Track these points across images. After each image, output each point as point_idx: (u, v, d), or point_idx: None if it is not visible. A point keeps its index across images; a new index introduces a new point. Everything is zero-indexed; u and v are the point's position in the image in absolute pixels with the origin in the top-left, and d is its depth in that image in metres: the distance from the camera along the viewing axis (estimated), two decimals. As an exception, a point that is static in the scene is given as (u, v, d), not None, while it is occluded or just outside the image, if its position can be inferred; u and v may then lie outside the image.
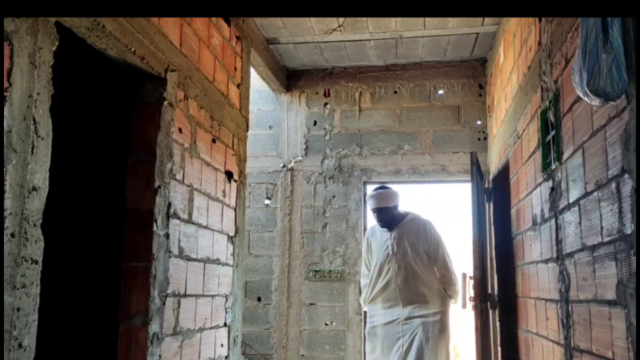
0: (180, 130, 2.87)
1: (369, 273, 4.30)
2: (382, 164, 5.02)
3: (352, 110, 5.15)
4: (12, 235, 1.72)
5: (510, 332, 3.92)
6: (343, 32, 4.39)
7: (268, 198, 5.13)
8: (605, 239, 1.90)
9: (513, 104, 3.61)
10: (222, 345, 3.44)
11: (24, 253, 1.76)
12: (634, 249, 1.64)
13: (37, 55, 1.83)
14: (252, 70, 4.36)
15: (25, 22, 1.77)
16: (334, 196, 5.04)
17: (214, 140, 3.33)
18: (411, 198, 8.55)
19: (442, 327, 4.06)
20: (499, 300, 4.34)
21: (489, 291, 4.28)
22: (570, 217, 2.32)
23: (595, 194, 1.99)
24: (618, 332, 1.81)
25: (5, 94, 1.69)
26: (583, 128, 2.13)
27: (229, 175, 3.58)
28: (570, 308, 2.36)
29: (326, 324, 4.88)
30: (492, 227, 4.58)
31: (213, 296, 3.30)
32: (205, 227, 3.19)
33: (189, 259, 2.96)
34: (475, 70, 5.01)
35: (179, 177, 2.85)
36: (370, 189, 4.94)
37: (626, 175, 1.70)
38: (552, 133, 2.59)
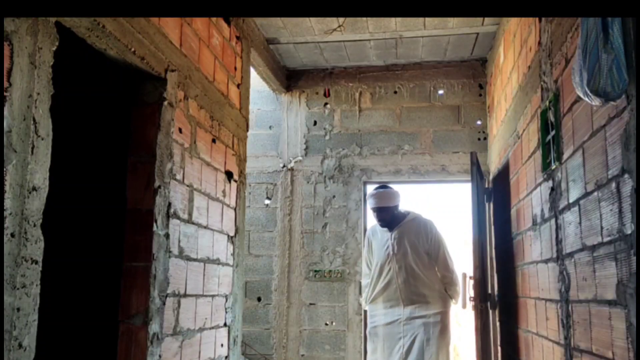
0: (180, 130, 2.87)
1: (369, 273, 4.29)
2: (382, 164, 5.02)
3: (352, 110, 5.15)
4: (12, 235, 1.72)
5: (510, 332, 3.92)
6: (343, 32, 4.39)
7: (268, 198, 5.13)
8: (605, 239, 1.90)
9: (513, 104, 3.61)
10: (222, 345, 3.44)
11: (24, 253, 1.76)
12: (634, 249, 1.64)
13: (37, 55, 1.83)
14: (252, 70, 4.36)
15: (25, 22, 1.77)
16: (334, 196, 5.04)
17: (214, 140, 3.33)
18: (411, 198, 8.54)
19: (443, 328, 4.06)
20: (499, 300, 4.34)
21: (489, 291, 4.28)
22: (570, 217, 2.32)
23: (595, 194, 1.99)
24: (618, 332, 1.81)
25: (5, 94, 1.69)
26: (583, 128, 2.13)
27: (229, 175, 3.58)
28: (570, 308, 2.36)
29: (326, 324, 4.88)
30: (492, 227, 4.58)
31: (213, 296, 3.30)
32: (205, 227, 3.19)
33: (189, 259, 2.96)
34: (475, 70, 5.01)
35: (179, 177, 2.85)
36: (370, 189, 4.94)
37: (626, 175, 1.70)
38: (552, 133, 2.59)
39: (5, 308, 1.68)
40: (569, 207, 2.34)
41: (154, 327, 2.55)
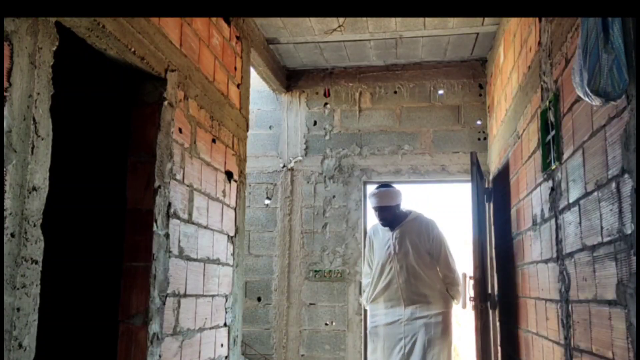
0: (180, 130, 2.87)
1: (371, 272, 4.28)
2: (382, 164, 5.02)
3: (352, 110, 5.15)
4: (12, 235, 1.72)
5: (510, 332, 3.92)
6: (343, 32, 4.39)
7: (268, 198, 5.13)
8: (605, 239, 1.90)
9: (513, 104, 3.61)
10: (222, 345, 3.44)
11: (24, 253, 1.76)
12: (634, 249, 1.64)
13: (37, 55, 1.83)
14: (252, 70, 4.36)
15: (25, 22, 1.77)
16: (334, 196, 5.04)
17: (214, 140, 3.33)
18: (411, 198, 8.55)
19: (444, 329, 4.04)
20: (499, 300, 4.34)
21: (489, 291, 4.28)
22: (570, 217, 2.32)
23: (595, 194, 1.99)
24: (618, 332, 1.81)
25: (5, 94, 1.69)
26: (583, 128, 2.13)
27: (229, 175, 3.58)
28: (570, 308, 2.36)
29: (326, 324, 4.88)
30: (492, 227, 4.58)
31: (213, 296, 3.30)
32: (205, 227, 3.19)
33: (189, 259, 2.96)
34: (475, 70, 5.01)
35: (179, 177, 2.85)
36: (370, 189, 4.94)
37: (626, 175, 1.70)
38: (552, 133, 2.59)
39: (5, 308, 1.68)
40: (569, 207, 2.34)
41: (154, 327, 2.55)
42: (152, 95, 2.68)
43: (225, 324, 3.50)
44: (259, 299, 4.99)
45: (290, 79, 5.26)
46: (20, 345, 1.74)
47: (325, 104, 5.20)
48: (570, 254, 2.32)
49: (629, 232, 1.69)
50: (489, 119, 4.86)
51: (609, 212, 1.86)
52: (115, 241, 2.81)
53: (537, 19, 2.91)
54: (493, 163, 4.61)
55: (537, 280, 2.99)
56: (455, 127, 5.00)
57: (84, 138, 3.16)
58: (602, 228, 1.93)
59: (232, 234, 3.61)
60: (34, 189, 1.81)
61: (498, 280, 4.41)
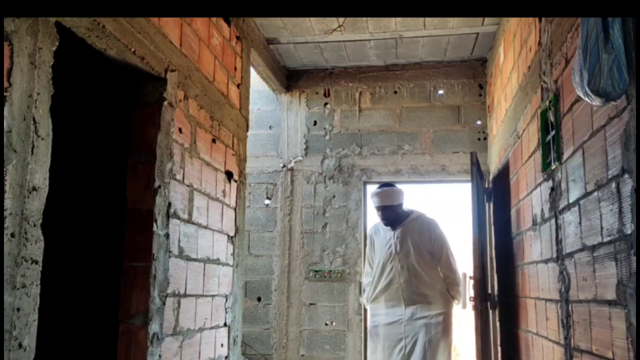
0: (180, 130, 2.87)
1: (371, 271, 4.27)
2: (382, 164, 5.02)
3: (352, 110, 5.15)
4: (12, 235, 1.72)
5: (510, 332, 3.92)
6: (343, 32, 4.39)
7: (268, 198, 5.13)
8: (605, 239, 1.90)
9: (513, 104, 3.61)
10: (222, 345, 3.44)
11: (24, 253, 1.76)
12: (634, 249, 1.64)
13: (37, 55, 1.83)
14: (252, 70, 4.36)
15: (25, 22, 1.77)
16: (334, 196, 5.04)
17: (214, 140, 3.33)
18: (411, 198, 8.55)
19: (445, 329, 4.02)
20: (499, 300, 4.34)
21: (489, 291, 4.28)
22: (570, 217, 2.32)
23: (595, 194, 1.99)
24: (618, 332, 1.81)
25: (5, 94, 1.69)
26: (583, 128, 2.13)
27: (229, 175, 3.58)
28: (570, 308, 2.36)
29: (326, 324, 4.88)
30: (492, 227, 4.58)
31: (213, 296, 3.30)
32: (205, 227, 3.19)
33: (189, 259, 2.96)
34: (475, 70, 5.02)
35: (179, 177, 2.85)
36: (370, 189, 4.94)
37: (626, 175, 1.70)
38: (552, 133, 2.59)
39: (5, 308, 1.68)
40: (569, 207, 2.34)
41: (154, 327, 2.55)
42: (152, 95, 2.68)
43: (225, 324, 3.50)
44: (259, 299, 4.99)
45: (290, 79, 5.26)
46: (20, 345, 1.74)
47: (325, 104, 5.20)
48: (570, 254, 2.32)
49: (629, 232, 1.69)
50: (489, 119, 4.86)
51: (609, 212, 1.86)
52: (115, 241, 2.81)
53: (537, 19, 2.91)
54: (493, 163, 4.61)
55: (537, 280, 2.99)
56: (455, 127, 5.00)
57: (84, 138, 3.16)
58: (602, 228, 1.93)
59: (232, 234, 3.61)
60: (34, 189, 1.81)
61: (498, 280, 4.41)
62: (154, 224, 2.58)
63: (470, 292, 4.10)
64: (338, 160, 5.08)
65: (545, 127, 2.73)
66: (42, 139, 1.85)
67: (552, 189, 2.61)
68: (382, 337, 4.11)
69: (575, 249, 2.26)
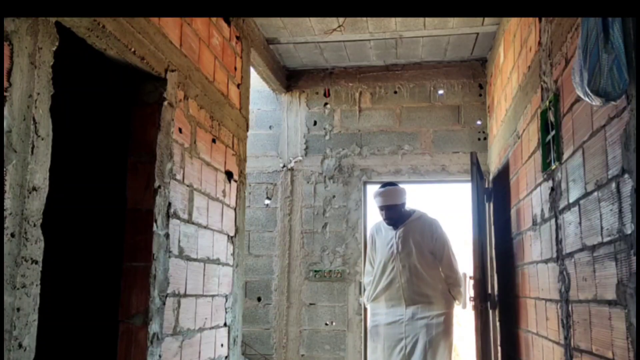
0: (180, 130, 2.87)
1: (372, 270, 4.26)
2: (382, 164, 5.02)
3: (352, 110, 5.15)
4: (12, 235, 1.72)
5: (510, 332, 3.92)
6: (343, 32, 4.39)
7: (268, 198, 5.13)
8: (605, 239, 1.90)
9: (513, 104, 3.61)
10: (222, 345, 3.44)
11: (24, 253, 1.76)
12: (634, 249, 1.64)
13: (37, 55, 1.83)
14: (252, 70, 4.36)
15: (25, 22, 1.77)
16: (334, 196, 5.04)
17: (214, 140, 3.34)
18: (411, 198, 8.54)
19: (445, 329, 4.01)
20: (499, 300, 4.34)
21: (489, 291, 4.28)
22: (570, 217, 2.32)
23: (595, 194, 1.99)
24: (618, 332, 1.81)
25: (5, 94, 1.69)
26: (583, 128, 2.13)
27: (229, 175, 3.58)
28: (570, 308, 2.36)
29: (326, 324, 4.88)
30: (492, 227, 4.58)
31: (213, 296, 3.30)
32: (205, 227, 3.19)
33: (189, 259, 2.96)
34: (475, 70, 5.02)
35: (179, 177, 2.85)
36: (370, 189, 4.94)
37: (626, 175, 1.70)
38: (552, 133, 2.59)
39: (5, 308, 1.68)
40: (569, 207, 2.34)
41: (154, 327, 2.55)
42: (152, 95, 2.68)
43: (225, 324, 3.50)
44: (259, 299, 4.99)
45: (290, 79, 5.26)
46: (20, 345, 1.74)
47: (325, 104, 5.20)
48: (570, 254, 2.32)
49: (629, 232, 1.69)
50: (489, 119, 4.86)
51: (609, 212, 1.86)
52: (115, 241, 2.81)
53: (537, 19, 2.91)
54: (493, 163, 4.61)
55: (537, 280, 2.99)
56: (455, 127, 5.00)
57: (84, 138, 3.16)
58: (602, 228, 1.93)
59: (232, 234, 3.62)
60: (34, 189, 1.81)
61: (498, 280, 4.41)
62: (154, 224, 2.58)
63: (470, 292, 4.10)
64: (338, 160, 5.08)
65: (545, 127, 2.73)
66: (42, 139, 1.85)
67: (552, 189, 2.61)
68: (383, 336, 4.10)
69: (575, 249, 2.26)
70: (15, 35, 1.73)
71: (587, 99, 1.69)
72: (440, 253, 4.10)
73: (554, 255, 2.60)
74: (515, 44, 3.60)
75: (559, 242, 2.51)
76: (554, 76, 2.57)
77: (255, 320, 4.95)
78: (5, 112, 1.69)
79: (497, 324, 4.45)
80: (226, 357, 3.52)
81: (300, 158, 5.13)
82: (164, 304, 2.66)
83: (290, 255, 5.01)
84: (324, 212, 5.03)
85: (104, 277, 2.96)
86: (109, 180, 3.03)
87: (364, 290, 4.41)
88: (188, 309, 2.95)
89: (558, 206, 2.51)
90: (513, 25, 3.68)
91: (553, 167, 2.58)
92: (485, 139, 4.93)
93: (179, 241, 2.84)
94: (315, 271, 4.95)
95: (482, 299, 3.90)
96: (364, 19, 4.20)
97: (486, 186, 4.71)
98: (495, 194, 4.49)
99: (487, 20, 4.21)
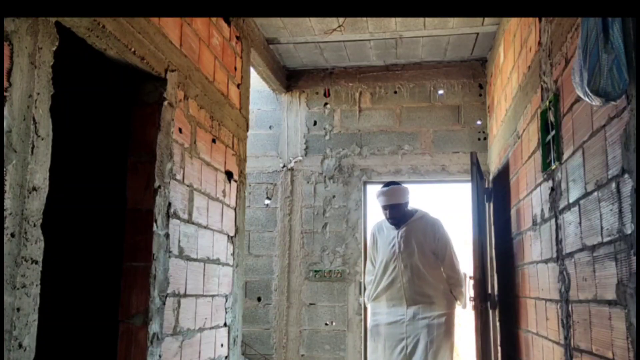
0: (180, 130, 2.87)
1: (373, 269, 4.25)
2: (382, 164, 5.02)
3: (352, 110, 5.15)
4: (12, 235, 1.72)
5: (510, 332, 3.92)
6: (343, 32, 4.39)
7: (268, 198, 5.13)
8: (605, 239, 1.90)
9: (513, 104, 3.61)
10: (222, 345, 3.44)
11: (24, 253, 1.76)
12: (634, 249, 1.64)
13: (37, 55, 1.83)
14: (252, 70, 4.36)
15: (25, 22, 1.77)
16: (334, 196, 5.04)
17: (214, 140, 3.34)
18: (411, 198, 8.53)
19: (447, 330, 4.00)
20: (499, 300, 4.34)
21: (489, 291, 4.28)
22: (570, 217, 2.32)
23: (595, 194, 1.99)
24: (618, 332, 1.81)
25: (5, 94, 1.69)
26: (583, 128, 2.13)
27: (229, 175, 3.58)
28: (570, 308, 2.36)
29: (326, 324, 4.88)
30: (492, 227, 4.58)
31: (213, 296, 3.30)
32: (205, 227, 3.19)
33: (189, 259, 2.96)
34: (475, 70, 5.02)
35: (179, 177, 2.85)
36: (370, 189, 4.94)
37: (626, 175, 1.70)
38: (552, 133, 2.59)
39: (5, 308, 1.68)
40: (569, 207, 2.34)
41: (154, 327, 2.55)
42: (152, 95, 2.68)
43: (225, 324, 3.50)
44: (259, 299, 4.99)
45: (290, 79, 5.26)
46: (20, 345, 1.74)
47: (325, 104, 5.20)
48: (570, 254, 2.32)
49: (629, 232, 1.69)
50: (489, 119, 4.86)
51: (609, 212, 1.86)
52: (115, 241, 2.81)
53: (537, 19, 2.91)
54: (493, 163, 4.61)
55: (537, 280, 2.99)
56: (455, 127, 5.00)
57: (84, 138, 3.16)
58: (602, 228, 1.93)
59: (232, 234, 3.62)
60: (34, 189, 1.81)
61: (498, 280, 4.41)
62: (154, 224, 2.58)
63: (470, 292, 4.09)
64: (338, 160, 5.08)
65: (545, 127, 2.73)
66: (42, 139, 1.85)
67: (552, 189, 2.61)
68: (383, 336, 4.10)
69: (575, 249, 2.26)
70: (15, 35, 1.73)
71: (587, 99, 1.69)
72: (442, 253, 4.09)
73: (554, 255, 2.60)
74: (515, 44, 3.60)
75: (559, 242, 2.51)
76: (554, 76, 2.57)
77: (255, 320, 4.95)
78: (5, 112, 1.69)
79: (497, 324, 4.45)
80: (226, 357, 3.52)
81: (300, 158, 5.13)
82: (164, 304, 2.66)
83: (290, 255, 5.01)
84: (324, 212, 5.03)
85: (104, 277, 2.96)
86: (109, 180, 3.04)
87: (364, 289, 4.41)
88: (188, 309, 2.95)
89: (558, 206, 2.51)
90: (513, 25, 3.68)
91: (553, 167, 2.58)
92: (485, 139, 4.93)
93: (179, 241, 2.84)
94: (315, 271, 4.95)
95: (482, 299, 3.89)
96: (364, 19, 4.20)
97: (486, 186, 4.71)
98: (495, 194, 4.49)
99: (487, 20, 4.21)
